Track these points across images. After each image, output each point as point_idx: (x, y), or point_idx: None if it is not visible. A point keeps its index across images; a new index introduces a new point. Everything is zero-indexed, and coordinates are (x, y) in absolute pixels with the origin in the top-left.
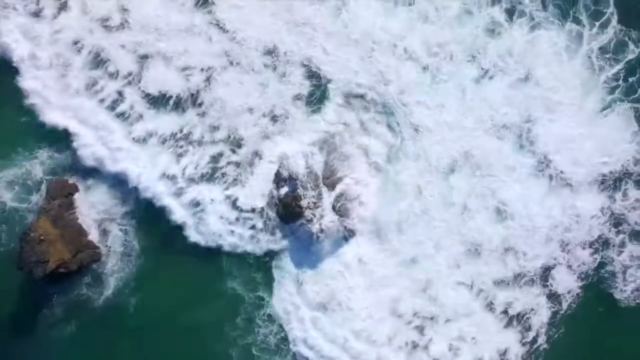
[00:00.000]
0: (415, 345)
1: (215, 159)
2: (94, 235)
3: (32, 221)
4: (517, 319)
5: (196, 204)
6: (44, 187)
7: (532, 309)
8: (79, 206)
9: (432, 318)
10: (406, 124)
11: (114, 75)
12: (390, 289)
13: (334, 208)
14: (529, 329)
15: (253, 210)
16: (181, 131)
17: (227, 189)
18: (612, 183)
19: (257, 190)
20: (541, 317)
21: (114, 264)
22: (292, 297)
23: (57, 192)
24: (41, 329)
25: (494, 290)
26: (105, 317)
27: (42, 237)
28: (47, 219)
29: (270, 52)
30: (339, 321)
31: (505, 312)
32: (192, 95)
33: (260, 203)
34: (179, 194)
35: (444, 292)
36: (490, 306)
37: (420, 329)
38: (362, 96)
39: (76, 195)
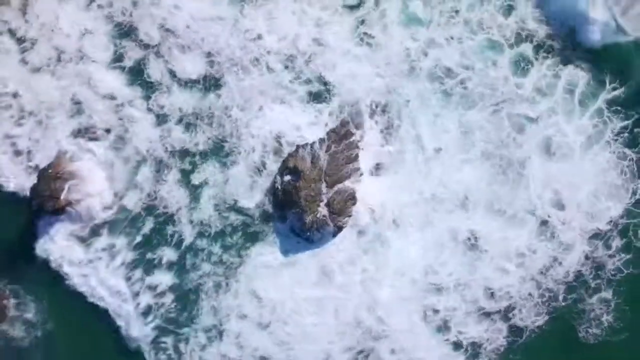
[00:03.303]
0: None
1: (222, 140)
2: None
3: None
4: (471, 346)
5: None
6: None
7: (490, 338)
8: None
9: (379, 337)
10: (408, 141)
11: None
12: (343, 301)
13: (328, 205)
14: (480, 355)
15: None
16: (201, 109)
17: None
18: (601, 233)
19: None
20: (498, 344)
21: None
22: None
23: (80, 136)
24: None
25: (450, 315)
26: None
27: (58, 175)
28: (64, 159)
29: (289, 55)
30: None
31: (458, 339)
32: (207, 80)
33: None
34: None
35: (397, 314)
36: (442, 331)
37: (370, 339)
38: (369, 105)
39: None
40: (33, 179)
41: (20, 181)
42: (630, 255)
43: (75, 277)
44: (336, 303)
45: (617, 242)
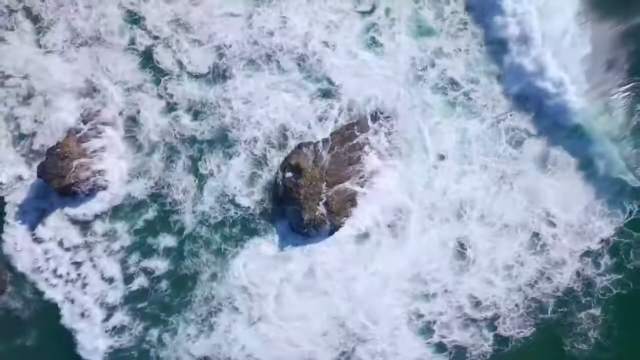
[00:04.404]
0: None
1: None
2: None
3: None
4: (455, 350)
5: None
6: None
7: (475, 344)
8: None
9: (363, 339)
10: (410, 148)
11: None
12: (331, 301)
13: (327, 204)
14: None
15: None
16: (208, 100)
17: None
18: (592, 251)
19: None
20: (484, 350)
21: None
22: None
23: (89, 118)
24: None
25: (434, 319)
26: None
27: (65, 154)
28: (74, 139)
29: (298, 54)
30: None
31: (442, 342)
32: (216, 72)
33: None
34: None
35: (382, 318)
36: (425, 333)
37: (354, 341)
38: (374, 110)
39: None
40: (35, 163)
41: (19, 164)
42: (621, 276)
43: (65, 265)
44: (324, 302)
45: (607, 262)
